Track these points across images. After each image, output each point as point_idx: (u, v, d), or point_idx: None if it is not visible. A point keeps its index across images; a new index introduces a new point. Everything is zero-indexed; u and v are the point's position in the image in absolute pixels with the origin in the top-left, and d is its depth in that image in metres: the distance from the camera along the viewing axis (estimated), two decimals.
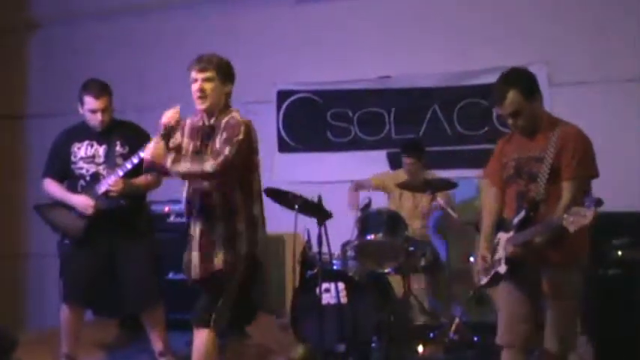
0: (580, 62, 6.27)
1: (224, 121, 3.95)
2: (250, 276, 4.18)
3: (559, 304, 3.67)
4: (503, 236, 3.71)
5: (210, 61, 3.96)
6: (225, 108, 4.03)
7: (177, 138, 4.11)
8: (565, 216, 3.25)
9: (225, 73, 4.00)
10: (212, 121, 4.01)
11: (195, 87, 3.94)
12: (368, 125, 7.12)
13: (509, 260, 3.61)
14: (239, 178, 3.95)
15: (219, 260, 3.93)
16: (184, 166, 3.88)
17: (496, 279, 3.73)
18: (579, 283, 3.72)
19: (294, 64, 7.24)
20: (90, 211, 4.72)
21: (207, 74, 3.93)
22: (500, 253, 3.68)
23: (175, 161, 3.87)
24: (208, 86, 3.92)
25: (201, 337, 4.01)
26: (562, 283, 3.65)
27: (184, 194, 4.07)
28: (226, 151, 3.82)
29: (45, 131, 5.44)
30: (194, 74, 3.95)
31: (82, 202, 4.76)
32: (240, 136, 3.86)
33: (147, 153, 3.91)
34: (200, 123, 4.07)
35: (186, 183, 4.05)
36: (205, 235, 3.98)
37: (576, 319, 3.81)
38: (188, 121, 4.14)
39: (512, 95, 3.61)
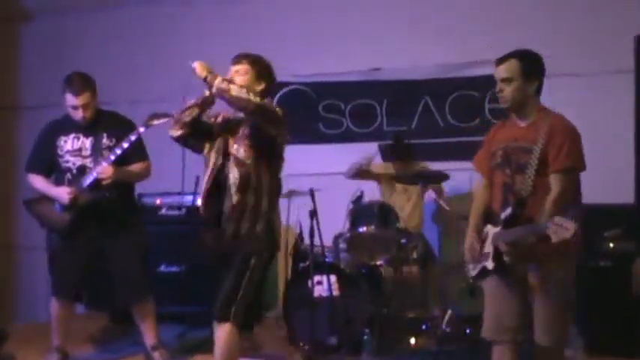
0: (574, 54, 6.25)
1: None
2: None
3: (546, 297, 3.56)
4: (491, 230, 3.64)
5: (247, 55, 3.99)
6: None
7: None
8: (549, 224, 3.19)
9: (261, 69, 4.00)
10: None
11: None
12: (360, 117, 7.11)
13: (496, 256, 3.55)
14: (269, 165, 3.95)
15: (248, 232, 3.89)
16: (235, 90, 3.76)
17: (484, 273, 3.68)
18: (569, 277, 3.63)
19: (286, 56, 7.19)
20: (66, 198, 4.67)
21: (239, 67, 3.96)
22: (488, 247, 3.61)
23: (226, 80, 3.80)
24: (238, 79, 3.90)
25: (224, 332, 3.88)
26: (549, 278, 3.54)
27: (209, 169, 3.99)
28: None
29: (36, 123, 5.39)
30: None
31: (60, 192, 4.73)
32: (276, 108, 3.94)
33: (195, 64, 3.78)
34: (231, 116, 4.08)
35: (212, 160, 3.98)
36: (237, 209, 3.88)
37: (568, 314, 3.66)
38: (221, 115, 4.12)
39: (512, 62, 3.65)
